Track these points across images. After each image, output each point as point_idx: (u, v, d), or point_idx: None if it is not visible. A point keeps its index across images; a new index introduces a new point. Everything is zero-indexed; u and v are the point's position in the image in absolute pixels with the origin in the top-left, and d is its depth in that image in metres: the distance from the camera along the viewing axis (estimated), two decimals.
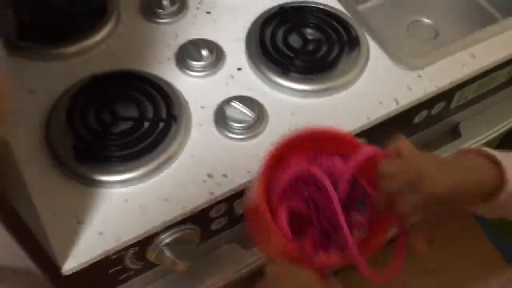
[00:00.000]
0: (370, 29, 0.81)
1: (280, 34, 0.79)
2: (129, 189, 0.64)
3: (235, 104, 0.69)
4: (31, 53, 0.75)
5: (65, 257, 0.58)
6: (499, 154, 0.50)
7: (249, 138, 0.68)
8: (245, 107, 0.69)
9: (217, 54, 0.76)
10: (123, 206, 0.62)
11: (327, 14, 0.81)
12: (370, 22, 0.82)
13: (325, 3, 0.84)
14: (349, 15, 0.82)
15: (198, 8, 0.83)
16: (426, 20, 0.99)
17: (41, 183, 0.63)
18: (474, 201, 0.50)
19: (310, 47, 0.77)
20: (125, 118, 0.68)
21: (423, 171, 0.47)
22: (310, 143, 0.52)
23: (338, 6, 0.84)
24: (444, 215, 0.51)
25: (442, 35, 0.97)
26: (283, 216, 0.50)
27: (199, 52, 0.75)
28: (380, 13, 0.99)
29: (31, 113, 0.69)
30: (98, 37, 0.77)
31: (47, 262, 0.55)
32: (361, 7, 0.97)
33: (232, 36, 0.80)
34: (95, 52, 0.77)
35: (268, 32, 0.78)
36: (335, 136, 0.53)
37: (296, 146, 0.52)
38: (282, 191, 0.51)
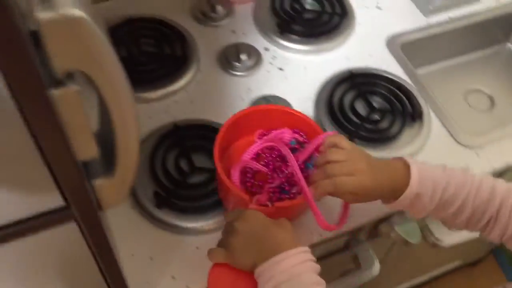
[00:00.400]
0: (432, 101, 0.85)
1: (348, 99, 0.84)
2: (201, 237, 0.69)
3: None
4: None
5: None
6: (414, 162, 0.59)
7: None
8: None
9: None
10: (195, 252, 0.68)
11: (393, 83, 0.86)
12: (430, 90, 0.86)
13: (388, 68, 0.89)
14: (413, 85, 0.87)
15: (271, 64, 0.89)
16: (482, 89, 1.03)
17: (120, 223, 0.69)
18: (388, 197, 0.60)
19: (376, 116, 0.82)
20: (201, 169, 0.73)
21: (357, 165, 0.57)
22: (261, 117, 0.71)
23: (399, 70, 0.89)
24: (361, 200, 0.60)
25: (498, 105, 1.00)
26: (236, 175, 0.66)
27: None
28: (437, 78, 1.03)
29: None
30: (179, 84, 0.83)
31: None
32: (420, 71, 1.02)
33: (302, 95, 0.85)
34: (175, 98, 0.83)
35: (336, 96, 0.83)
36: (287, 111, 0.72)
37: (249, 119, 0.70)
38: (252, 155, 0.69)
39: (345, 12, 0.95)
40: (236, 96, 0.84)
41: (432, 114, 0.84)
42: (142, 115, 0.80)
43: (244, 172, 0.69)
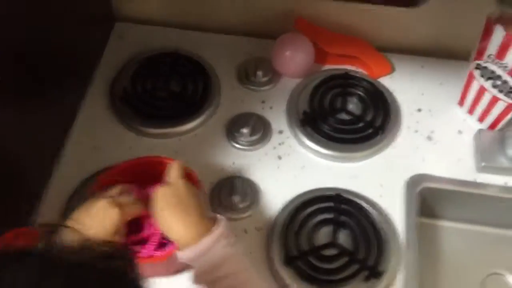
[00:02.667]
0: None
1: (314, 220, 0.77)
2: None
3: None
4: None
5: None
6: (218, 241, 0.59)
7: None
8: None
9: None
10: None
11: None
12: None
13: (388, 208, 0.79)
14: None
15: (274, 148, 0.86)
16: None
17: None
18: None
19: None
20: None
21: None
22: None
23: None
24: None
25: None
26: None
27: None
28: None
29: None
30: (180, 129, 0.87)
31: None
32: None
33: (280, 195, 0.81)
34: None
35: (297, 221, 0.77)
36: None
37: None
38: None
39: (383, 128, 0.86)
40: (219, 163, 0.83)
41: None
42: None
43: None
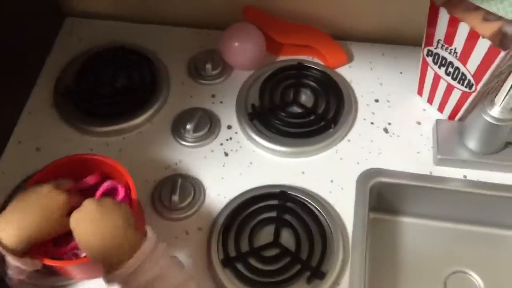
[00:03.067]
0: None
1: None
2: None
3: None
4: None
5: None
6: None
7: None
8: None
9: None
10: None
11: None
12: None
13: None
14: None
15: (221, 144, 0.82)
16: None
17: None
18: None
19: None
20: None
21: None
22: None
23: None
24: None
25: None
26: None
27: None
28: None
29: None
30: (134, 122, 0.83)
31: None
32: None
33: (222, 191, 0.77)
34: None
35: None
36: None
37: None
38: None
39: (335, 121, 0.82)
40: (164, 161, 0.80)
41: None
42: None
43: None
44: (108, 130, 0.83)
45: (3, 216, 0.59)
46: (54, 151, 0.81)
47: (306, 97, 0.86)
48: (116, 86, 0.87)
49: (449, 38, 0.69)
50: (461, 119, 0.81)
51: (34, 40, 0.90)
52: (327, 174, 0.79)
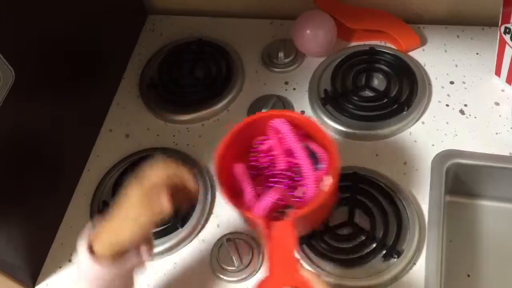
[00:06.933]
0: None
1: None
2: None
3: None
4: None
5: None
6: None
7: None
8: None
9: None
10: None
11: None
12: None
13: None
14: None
15: None
16: None
17: None
18: None
19: None
20: None
21: None
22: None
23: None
24: None
25: None
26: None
27: None
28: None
29: None
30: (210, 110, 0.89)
31: None
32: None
33: None
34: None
35: None
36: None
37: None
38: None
39: (408, 103, 0.82)
40: None
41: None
42: None
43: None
44: (189, 118, 0.88)
45: (101, 225, 0.56)
46: (141, 137, 0.88)
47: (378, 81, 0.86)
48: (195, 77, 0.92)
49: None
50: None
51: (121, 38, 0.98)
52: (401, 157, 0.79)
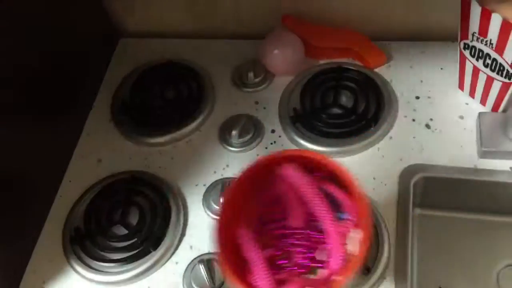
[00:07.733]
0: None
1: None
2: None
3: None
4: None
5: None
6: None
7: None
8: None
9: None
10: None
11: None
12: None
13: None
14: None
15: (266, 148, 0.86)
16: None
17: None
18: None
19: None
20: None
21: None
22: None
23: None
24: None
25: None
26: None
27: None
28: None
29: None
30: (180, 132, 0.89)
31: None
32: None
33: None
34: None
35: None
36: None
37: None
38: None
39: (376, 120, 0.84)
40: (213, 166, 0.85)
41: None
42: None
43: None
44: (160, 141, 0.89)
45: None
46: (114, 161, 0.88)
47: (346, 99, 0.88)
48: (167, 99, 0.93)
49: (483, 30, 0.69)
50: (504, 111, 0.80)
51: (92, 62, 0.99)
52: (370, 172, 0.80)
